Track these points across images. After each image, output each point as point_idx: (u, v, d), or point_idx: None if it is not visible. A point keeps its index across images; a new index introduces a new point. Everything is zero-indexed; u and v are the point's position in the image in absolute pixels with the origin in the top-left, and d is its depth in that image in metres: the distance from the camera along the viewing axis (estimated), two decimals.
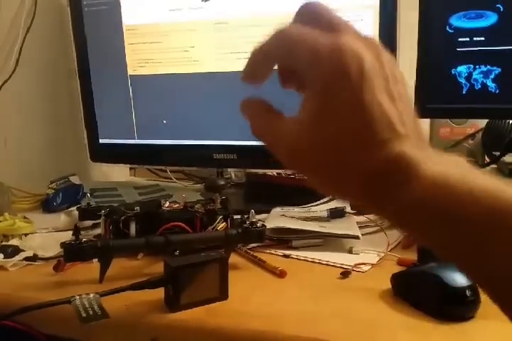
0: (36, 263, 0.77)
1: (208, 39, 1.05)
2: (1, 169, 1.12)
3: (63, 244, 0.69)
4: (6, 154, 1.18)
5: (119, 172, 1.35)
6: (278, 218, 0.90)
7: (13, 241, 0.83)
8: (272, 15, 0.98)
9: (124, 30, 1.13)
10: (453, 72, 0.88)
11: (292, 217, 0.90)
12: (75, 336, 0.63)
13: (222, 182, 0.91)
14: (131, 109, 1.16)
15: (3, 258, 0.76)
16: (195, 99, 1.09)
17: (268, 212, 0.94)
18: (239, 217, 0.81)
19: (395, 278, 0.65)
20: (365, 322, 0.59)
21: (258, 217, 0.79)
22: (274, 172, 1.11)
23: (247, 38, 1.00)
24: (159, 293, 0.63)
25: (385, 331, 0.57)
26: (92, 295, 0.59)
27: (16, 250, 0.79)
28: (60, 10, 1.24)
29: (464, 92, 0.88)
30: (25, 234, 0.86)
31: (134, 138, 1.17)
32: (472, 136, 1.13)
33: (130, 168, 1.31)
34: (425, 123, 1.16)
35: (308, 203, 0.99)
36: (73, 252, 0.68)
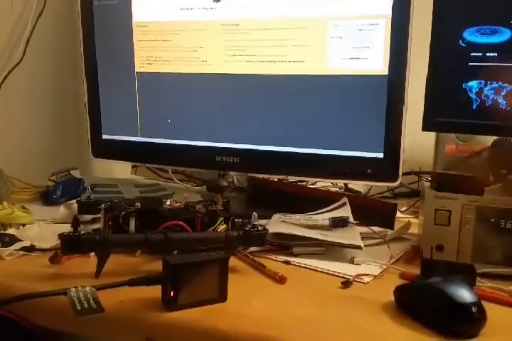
0: (33, 253, 0.76)
1: (218, 40, 1.04)
2: (3, 159, 1.11)
3: (61, 235, 0.67)
4: (9, 144, 1.17)
5: (120, 170, 1.34)
6: (279, 224, 0.88)
7: (11, 231, 0.82)
8: (283, 20, 0.95)
9: (134, 26, 1.12)
10: (463, 87, 0.87)
11: (294, 224, 0.89)
12: (68, 329, 0.62)
13: (225, 184, 0.89)
14: (136, 106, 1.15)
15: (0, 246, 0.75)
16: (201, 99, 1.08)
17: (269, 217, 0.93)
18: (240, 220, 0.80)
19: (399, 291, 0.64)
20: (366, 333, 0.58)
21: (259, 222, 0.77)
22: (275, 177, 1.10)
23: (257, 42, 0.98)
24: (156, 290, 0.61)
25: None
26: (88, 288, 0.58)
27: (13, 239, 0.77)
28: (71, 2, 1.24)
29: (474, 108, 0.87)
30: (23, 224, 0.85)
31: (137, 136, 1.16)
32: (478, 153, 1.12)
33: (132, 166, 1.30)
34: (430, 138, 1.15)
35: (309, 211, 0.97)
36: (71, 244, 0.67)
